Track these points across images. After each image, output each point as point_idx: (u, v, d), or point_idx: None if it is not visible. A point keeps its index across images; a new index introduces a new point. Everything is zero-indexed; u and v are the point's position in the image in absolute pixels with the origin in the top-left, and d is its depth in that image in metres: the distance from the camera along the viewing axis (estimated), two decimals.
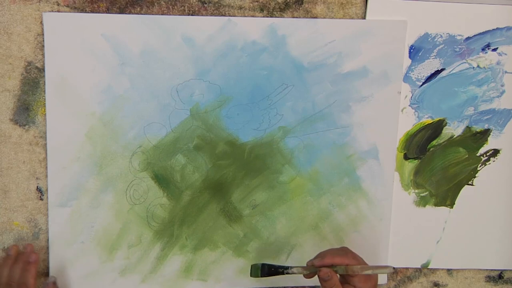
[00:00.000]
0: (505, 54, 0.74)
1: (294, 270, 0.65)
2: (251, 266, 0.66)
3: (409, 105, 0.74)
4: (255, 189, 0.73)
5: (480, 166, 0.77)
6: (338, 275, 0.62)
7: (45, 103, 0.68)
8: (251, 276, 0.66)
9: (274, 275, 0.65)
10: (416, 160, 0.75)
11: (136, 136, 0.69)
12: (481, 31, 0.73)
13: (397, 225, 0.76)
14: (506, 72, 0.75)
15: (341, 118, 0.72)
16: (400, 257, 0.77)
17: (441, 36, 0.73)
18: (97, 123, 0.68)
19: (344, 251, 0.64)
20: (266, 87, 0.71)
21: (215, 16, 0.69)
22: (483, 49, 0.74)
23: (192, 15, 0.69)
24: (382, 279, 0.77)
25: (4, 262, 0.66)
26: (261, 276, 0.65)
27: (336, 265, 0.62)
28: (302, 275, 0.65)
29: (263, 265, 0.65)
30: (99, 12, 0.67)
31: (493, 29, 0.73)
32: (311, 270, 0.64)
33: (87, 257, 0.71)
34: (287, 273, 0.65)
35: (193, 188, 0.72)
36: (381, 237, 0.75)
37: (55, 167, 0.69)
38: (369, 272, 0.61)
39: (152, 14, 0.68)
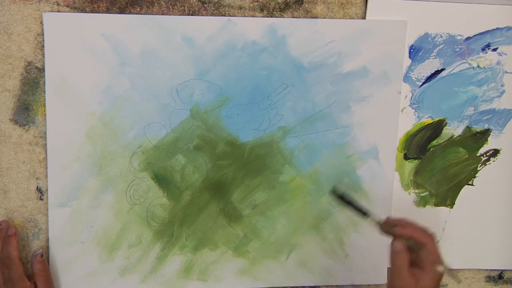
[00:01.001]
0: (505, 54, 0.74)
1: (374, 218, 0.66)
2: (334, 187, 0.70)
3: (409, 105, 0.74)
4: (255, 189, 0.73)
5: (480, 166, 0.77)
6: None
7: (45, 103, 0.68)
8: (332, 192, 0.70)
9: (351, 206, 0.68)
10: (416, 160, 0.75)
11: (136, 136, 0.69)
12: (481, 31, 0.73)
13: None
14: (506, 72, 0.75)
15: (341, 118, 0.72)
16: None
17: (441, 36, 0.73)
18: (97, 123, 0.68)
19: (429, 233, 0.61)
20: (266, 87, 0.71)
21: (215, 16, 0.69)
22: (483, 49, 0.74)
23: (192, 15, 0.69)
24: (382, 279, 0.77)
25: None
26: (339, 199, 0.69)
27: (414, 240, 0.61)
28: (376, 227, 0.65)
29: (346, 193, 0.68)
30: (99, 12, 0.67)
31: (493, 29, 0.73)
32: (387, 229, 0.63)
33: (87, 257, 0.71)
34: (364, 215, 0.67)
35: (193, 188, 0.72)
36: (381, 237, 0.75)
37: (55, 167, 0.69)
38: (441, 268, 0.59)
39: (152, 14, 0.68)
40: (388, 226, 0.63)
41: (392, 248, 0.61)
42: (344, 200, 0.69)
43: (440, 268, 0.60)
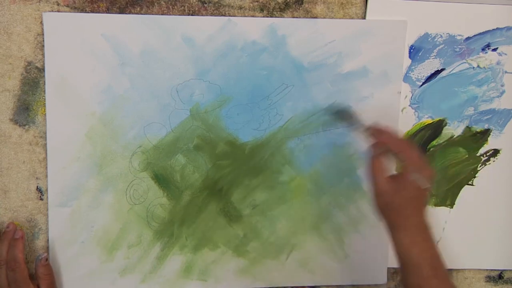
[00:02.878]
0: (505, 54, 0.74)
1: (359, 127, 0.67)
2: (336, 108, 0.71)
3: (409, 105, 0.74)
4: (255, 189, 0.73)
5: (480, 166, 0.77)
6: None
7: (45, 103, 0.68)
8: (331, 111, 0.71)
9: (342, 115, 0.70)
10: None
11: (136, 136, 0.69)
12: (481, 31, 0.73)
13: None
14: (506, 72, 0.75)
15: None
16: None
17: (441, 36, 0.73)
18: (97, 123, 0.68)
19: (407, 142, 0.61)
20: (266, 87, 0.71)
21: (215, 16, 0.69)
22: (483, 49, 0.74)
23: (192, 15, 0.69)
24: (382, 279, 0.77)
25: None
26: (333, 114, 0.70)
27: (389, 147, 0.60)
28: (364, 134, 0.65)
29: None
30: (99, 12, 0.67)
31: (493, 29, 0.73)
32: (369, 136, 0.63)
33: (87, 257, 0.71)
34: (353, 126, 0.69)
35: (193, 188, 0.72)
36: (381, 237, 0.75)
37: (55, 167, 0.68)
38: (413, 176, 0.58)
39: (152, 14, 0.68)
40: (370, 133, 0.63)
41: (368, 153, 0.61)
42: (341, 116, 0.70)
43: (412, 176, 0.58)
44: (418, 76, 0.74)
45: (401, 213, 0.59)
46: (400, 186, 0.59)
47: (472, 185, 0.77)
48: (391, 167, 0.62)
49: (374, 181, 0.61)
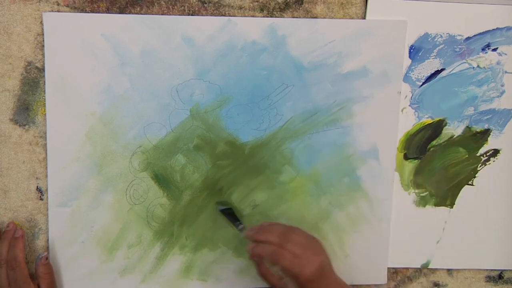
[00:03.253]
0: (505, 54, 0.74)
1: (243, 230, 0.67)
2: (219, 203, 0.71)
3: (409, 105, 0.74)
4: (255, 189, 0.73)
5: (480, 166, 0.77)
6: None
7: (45, 103, 0.68)
8: (216, 206, 0.71)
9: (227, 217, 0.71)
10: (416, 160, 0.75)
11: (136, 136, 0.69)
12: (481, 31, 0.73)
13: (397, 225, 0.76)
14: (506, 72, 0.75)
15: (341, 118, 0.72)
16: (400, 257, 0.77)
17: (441, 36, 0.73)
18: (97, 123, 0.68)
19: (280, 244, 0.61)
20: (266, 87, 0.71)
21: (215, 16, 0.69)
22: (483, 49, 0.74)
23: (192, 15, 0.69)
24: (382, 279, 0.77)
25: None
26: (220, 210, 0.71)
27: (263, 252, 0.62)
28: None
29: (228, 209, 0.70)
30: (99, 12, 0.67)
31: (493, 29, 0.73)
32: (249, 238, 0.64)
33: (87, 257, 0.71)
34: (237, 227, 0.69)
35: (193, 188, 0.72)
36: (381, 237, 0.75)
37: (55, 167, 0.69)
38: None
39: (152, 14, 0.68)
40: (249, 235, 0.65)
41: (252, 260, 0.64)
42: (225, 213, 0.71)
43: (273, 271, 0.63)
44: (418, 76, 0.74)
45: None
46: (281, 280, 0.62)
47: (472, 185, 0.77)
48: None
49: (267, 283, 0.64)
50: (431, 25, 0.72)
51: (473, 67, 0.74)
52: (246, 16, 0.69)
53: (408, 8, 0.71)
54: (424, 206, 0.77)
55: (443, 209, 0.77)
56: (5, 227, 0.68)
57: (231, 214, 0.71)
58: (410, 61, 0.73)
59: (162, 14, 0.68)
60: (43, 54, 0.67)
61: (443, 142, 0.75)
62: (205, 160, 0.71)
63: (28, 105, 0.68)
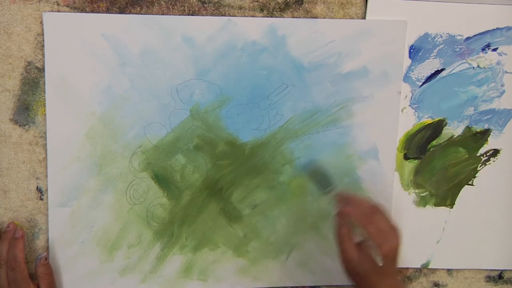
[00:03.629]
0: (505, 54, 0.74)
1: (331, 191, 0.70)
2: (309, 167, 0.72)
3: (409, 105, 0.74)
4: (255, 189, 0.73)
5: (480, 166, 0.77)
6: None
7: (45, 103, 0.68)
8: (304, 169, 0.72)
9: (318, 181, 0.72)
10: (416, 160, 0.75)
11: (136, 136, 0.69)
12: (481, 31, 0.73)
13: (397, 225, 0.76)
14: (506, 72, 0.75)
15: (341, 118, 0.72)
16: (400, 257, 0.77)
17: (441, 36, 0.73)
18: (97, 123, 0.68)
19: (370, 213, 0.62)
20: (266, 87, 0.71)
21: (215, 16, 0.69)
22: (483, 49, 0.74)
23: (192, 15, 0.69)
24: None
25: None
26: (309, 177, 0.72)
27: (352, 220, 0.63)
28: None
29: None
30: (99, 12, 0.67)
31: (493, 29, 0.73)
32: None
33: (87, 257, 0.71)
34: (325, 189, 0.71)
35: (193, 188, 0.72)
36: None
37: (55, 167, 0.69)
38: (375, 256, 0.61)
39: (152, 14, 0.68)
40: (337, 201, 0.66)
41: (335, 221, 0.64)
42: (316, 176, 0.72)
43: (370, 251, 0.62)
44: (418, 76, 0.74)
45: (367, 279, 0.62)
46: (362, 256, 0.62)
47: (472, 185, 0.77)
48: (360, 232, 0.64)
49: (340, 249, 0.63)
50: (431, 25, 0.72)
51: (473, 67, 0.74)
52: (246, 16, 0.69)
53: (408, 8, 0.71)
54: (424, 206, 0.77)
55: (443, 209, 0.77)
56: (5, 227, 0.68)
57: (322, 178, 0.71)
58: (410, 61, 0.73)
59: (162, 14, 0.68)
60: (43, 54, 0.67)
61: (443, 142, 0.75)
62: (205, 160, 0.71)
63: (28, 105, 0.68)
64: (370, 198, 0.65)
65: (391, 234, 0.62)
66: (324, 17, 0.71)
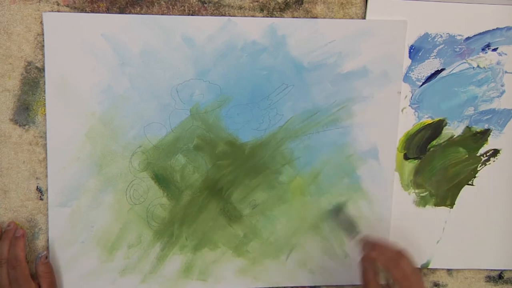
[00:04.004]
0: (505, 54, 0.74)
1: (354, 236, 0.72)
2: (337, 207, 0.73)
3: (409, 105, 0.74)
4: (255, 189, 0.73)
5: (480, 166, 0.77)
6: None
7: (45, 103, 0.68)
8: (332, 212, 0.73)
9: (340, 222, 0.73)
10: (416, 160, 0.75)
11: (136, 136, 0.69)
12: (481, 31, 0.73)
13: (397, 225, 0.76)
14: (506, 72, 0.75)
15: (341, 118, 0.72)
16: None
17: (441, 36, 0.73)
18: (97, 123, 0.68)
19: (396, 258, 0.63)
20: (266, 87, 0.71)
21: (215, 16, 0.69)
22: (483, 49, 0.74)
23: (192, 15, 0.69)
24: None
25: None
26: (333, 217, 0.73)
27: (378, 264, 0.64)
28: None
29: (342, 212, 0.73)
30: (99, 12, 0.67)
31: (493, 29, 0.73)
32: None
33: (87, 257, 0.71)
34: (351, 233, 0.72)
35: (193, 188, 0.72)
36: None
37: (55, 167, 0.69)
38: None
39: (152, 14, 0.68)
40: (362, 246, 0.67)
41: (360, 265, 0.66)
42: (340, 220, 0.73)
43: None
44: (418, 76, 0.74)
45: None
46: None
47: (472, 185, 0.77)
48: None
49: None
50: (431, 25, 0.72)
51: (473, 67, 0.74)
52: (246, 16, 0.69)
53: (408, 8, 0.71)
54: (424, 206, 0.77)
55: (443, 209, 0.77)
56: (6, 227, 0.68)
57: (349, 224, 0.73)
58: (410, 61, 0.73)
59: (162, 14, 0.68)
60: (43, 54, 0.67)
61: (443, 142, 0.75)
62: (205, 160, 0.71)
63: (28, 105, 0.68)
64: (395, 243, 0.66)
65: (416, 279, 0.63)
66: (324, 17, 0.71)
